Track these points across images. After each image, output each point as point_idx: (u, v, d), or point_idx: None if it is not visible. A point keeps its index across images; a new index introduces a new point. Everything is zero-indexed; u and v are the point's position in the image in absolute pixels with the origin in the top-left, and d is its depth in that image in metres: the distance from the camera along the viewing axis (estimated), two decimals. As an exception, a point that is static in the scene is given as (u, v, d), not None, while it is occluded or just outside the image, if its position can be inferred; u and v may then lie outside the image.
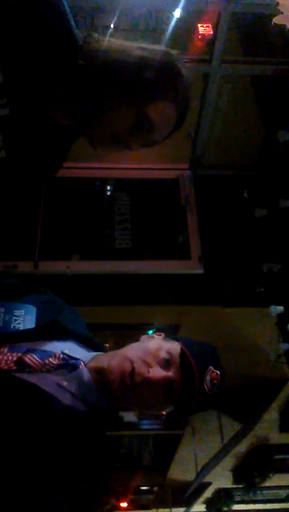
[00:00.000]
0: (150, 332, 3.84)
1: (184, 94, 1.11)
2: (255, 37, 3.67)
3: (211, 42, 3.35)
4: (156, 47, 1.09)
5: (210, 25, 3.54)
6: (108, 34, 1.08)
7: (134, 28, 3.99)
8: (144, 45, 1.08)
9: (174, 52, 1.10)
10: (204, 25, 3.62)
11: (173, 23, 3.62)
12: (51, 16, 1.02)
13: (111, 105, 1.05)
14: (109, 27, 3.72)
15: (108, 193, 4.09)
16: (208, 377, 1.01)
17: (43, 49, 1.02)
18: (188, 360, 1.01)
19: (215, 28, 3.25)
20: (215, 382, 1.02)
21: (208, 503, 7.30)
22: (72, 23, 1.05)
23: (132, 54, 1.05)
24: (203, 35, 3.61)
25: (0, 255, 3.47)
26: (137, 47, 1.07)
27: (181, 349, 1.04)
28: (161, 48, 1.09)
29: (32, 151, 1.15)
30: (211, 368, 1.02)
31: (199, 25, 3.64)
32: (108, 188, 4.11)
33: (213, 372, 1.02)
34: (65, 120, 1.12)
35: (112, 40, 1.09)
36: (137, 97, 1.05)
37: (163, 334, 1.13)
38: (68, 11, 1.04)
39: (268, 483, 6.33)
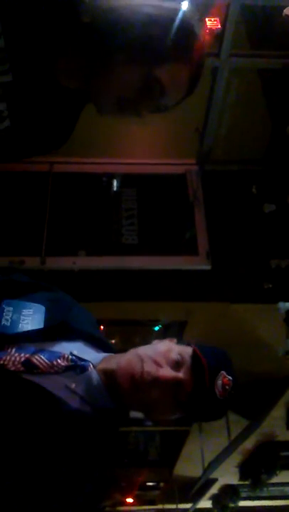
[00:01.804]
0: (156, 328, 3.80)
1: (198, 55, 1.03)
2: (263, 30, 3.63)
3: (218, 36, 3.31)
4: (168, 4, 1.00)
5: (217, 19, 3.51)
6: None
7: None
8: (155, 2, 0.99)
9: (188, 9, 1.02)
10: (212, 19, 3.58)
11: (180, 16, 3.59)
12: None
13: (118, 66, 0.98)
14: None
15: (115, 189, 4.07)
16: (219, 382, 0.98)
17: (45, 7, 0.97)
18: (200, 361, 0.98)
19: (223, 22, 3.21)
20: (227, 387, 0.98)
21: (215, 499, 7.31)
22: None
23: (142, 11, 0.97)
24: (210, 29, 3.58)
25: (7, 250, 3.47)
26: (147, 4, 0.99)
27: (193, 350, 1.01)
28: (174, 5, 1.00)
29: (38, 119, 1.10)
30: (224, 372, 0.99)
31: (207, 19, 3.60)
32: (115, 183, 4.09)
33: (225, 378, 0.99)
34: (71, 83, 1.05)
35: None
36: (146, 57, 0.97)
37: (175, 339, 1.11)
38: None
39: (274, 480, 6.32)
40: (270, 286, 3.49)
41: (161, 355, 1.01)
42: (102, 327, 4.05)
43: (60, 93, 1.07)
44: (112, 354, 1.08)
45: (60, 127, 1.17)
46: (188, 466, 6.65)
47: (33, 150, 1.22)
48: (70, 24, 0.99)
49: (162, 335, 4.21)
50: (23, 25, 0.97)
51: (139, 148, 4.00)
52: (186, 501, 7.59)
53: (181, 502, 7.74)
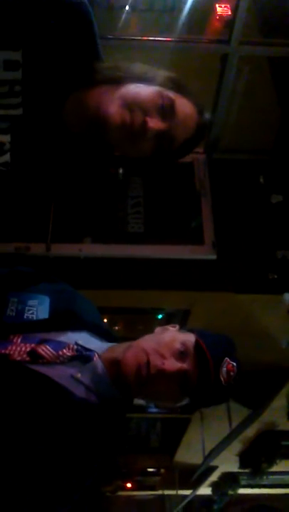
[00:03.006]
0: (160, 316, 3.81)
1: (202, 111, 1.10)
2: (274, 17, 3.58)
3: (228, 23, 3.27)
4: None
5: (228, 6, 3.47)
6: (124, 14, 1.05)
7: (150, 7, 3.92)
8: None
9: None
10: (222, 6, 3.55)
11: (190, 3, 3.56)
12: (80, 27, 1.01)
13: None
14: (125, 6, 3.66)
15: (121, 176, 4.05)
16: (224, 369, 0.99)
17: (67, 55, 1.01)
18: (203, 351, 0.99)
19: (234, 8, 3.17)
20: (231, 374, 1.00)
21: (214, 486, 7.38)
22: (99, 41, 1.05)
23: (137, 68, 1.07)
24: (221, 15, 3.54)
25: (12, 236, 3.46)
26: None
27: (196, 340, 1.02)
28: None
29: (38, 160, 1.10)
30: (227, 359, 1.00)
31: (217, 5, 3.56)
32: (121, 170, 4.06)
33: (229, 364, 1.00)
34: (77, 128, 1.07)
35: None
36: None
37: (177, 326, 1.11)
38: (96, 28, 1.03)
39: (274, 469, 6.37)
40: (275, 276, 3.48)
41: (165, 346, 1.02)
42: (106, 315, 4.07)
43: (65, 139, 1.08)
44: (116, 344, 1.09)
45: (59, 174, 1.17)
46: (189, 453, 6.70)
47: (27, 192, 1.23)
48: (85, 68, 1.04)
49: (165, 323, 4.21)
50: (41, 61, 0.99)
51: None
52: (186, 488, 7.66)
53: (181, 488, 7.81)
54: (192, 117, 1.07)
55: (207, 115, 1.12)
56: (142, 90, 1.01)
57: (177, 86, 1.05)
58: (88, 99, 1.03)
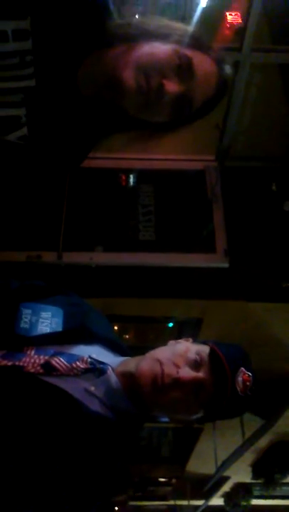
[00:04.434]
0: (171, 325, 3.77)
1: (223, 68, 1.02)
2: (284, 24, 3.57)
3: (239, 30, 3.27)
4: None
5: (238, 14, 3.47)
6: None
7: (161, 16, 3.93)
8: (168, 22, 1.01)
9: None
10: (232, 14, 3.55)
11: (199, 11, 3.56)
12: None
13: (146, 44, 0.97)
14: (135, 15, 3.67)
15: (132, 184, 4.05)
16: (240, 379, 0.97)
17: (77, 18, 0.95)
18: (219, 359, 0.97)
19: (245, 15, 3.17)
20: (247, 384, 0.97)
21: (227, 497, 7.30)
22: None
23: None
24: (231, 23, 3.55)
25: (24, 245, 3.47)
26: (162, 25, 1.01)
27: (211, 349, 1.00)
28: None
29: (56, 130, 1.06)
30: (243, 369, 0.98)
31: (228, 13, 3.56)
32: (132, 179, 4.06)
33: (245, 374, 0.98)
34: (91, 89, 1.01)
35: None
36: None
37: (191, 339, 1.10)
38: None
39: (287, 480, 6.30)
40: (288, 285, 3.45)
41: (179, 356, 1.00)
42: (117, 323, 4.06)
43: (81, 105, 1.04)
44: (129, 358, 1.08)
45: (78, 143, 1.12)
46: (200, 463, 6.65)
47: (47, 164, 1.19)
48: (97, 30, 0.98)
49: (177, 332, 4.19)
50: (51, 27, 0.95)
51: (158, 143, 3.96)
52: (198, 498, 7.59)
53: (192, 499, 7.75)
54: (212, 75, 1.00)
55: (228, 69, 1.04)
56: (156, 51, 0.94)
57: (195, 41, 0.98)
58: (102, 62, 0.97)
